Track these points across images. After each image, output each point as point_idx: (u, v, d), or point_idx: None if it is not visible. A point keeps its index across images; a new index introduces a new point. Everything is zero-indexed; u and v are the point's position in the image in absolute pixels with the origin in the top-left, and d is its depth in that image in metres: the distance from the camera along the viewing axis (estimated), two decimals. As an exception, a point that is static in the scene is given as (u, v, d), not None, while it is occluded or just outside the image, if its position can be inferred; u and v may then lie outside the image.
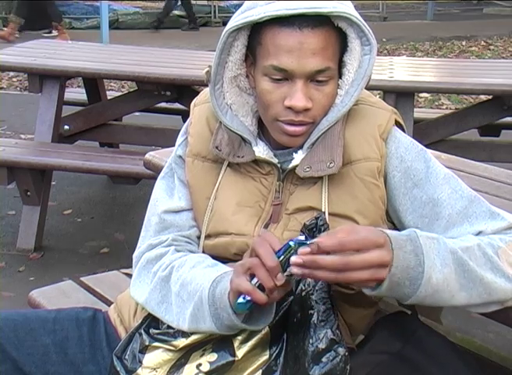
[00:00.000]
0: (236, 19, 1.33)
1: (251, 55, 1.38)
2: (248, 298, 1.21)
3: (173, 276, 1.41)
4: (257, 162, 1.43)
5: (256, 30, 1.34)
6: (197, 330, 1.35)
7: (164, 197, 1.51)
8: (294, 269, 1.17)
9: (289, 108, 1.34)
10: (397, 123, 1.44)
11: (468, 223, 1.37)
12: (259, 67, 1.36)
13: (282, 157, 1.43)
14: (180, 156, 1.52)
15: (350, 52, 1.37)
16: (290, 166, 1.40)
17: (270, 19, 1.30)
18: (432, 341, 1.42)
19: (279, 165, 1.42)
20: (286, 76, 1.33)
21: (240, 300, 1.22)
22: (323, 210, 1.37)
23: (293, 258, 1.16)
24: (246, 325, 1.28)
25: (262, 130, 1.46)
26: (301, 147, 1.41)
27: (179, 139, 1.55)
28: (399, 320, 1.50)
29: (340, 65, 1.38)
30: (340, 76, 1.39)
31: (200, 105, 1.53)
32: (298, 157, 1.40)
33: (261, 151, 1.42)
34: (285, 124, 1.36)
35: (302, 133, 1.37)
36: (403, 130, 1.46)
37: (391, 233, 1.23)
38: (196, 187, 1.47)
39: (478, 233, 1.36)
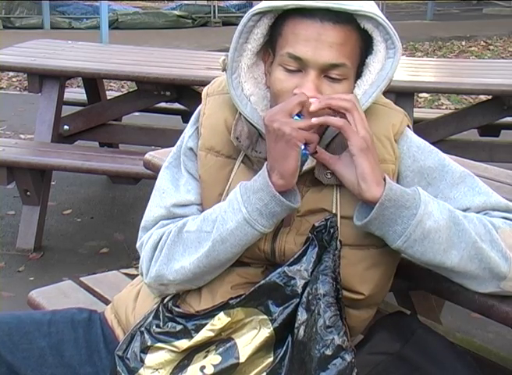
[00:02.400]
0: (261, 4, 1.33)
1: (271, 50, 1.37)
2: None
3: (189, 223, 1.40)
4: None
5: (278, 23, 1.34)
6: (222, 239, 1.34)
7: (171, 188, 1.48)
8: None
9: None
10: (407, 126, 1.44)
11: (484, 212, 1.38)
12: (276, 58, 1.35)
13: None
14: (191, 148, 1.48)
15: (374, 55, 1.37)
16: (306, 167, 1.37)
17: (293, 10, 1.30)
18: (431, 341, 1.42)
19: None
20: (300, 67, 1.32)
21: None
22: (334, 212, 1.36)
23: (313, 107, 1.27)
24: (282, 197, 1.30)
25: None
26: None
27: (189, 129, 1.50)
28: (398, 320, 1.50)
29: (363, 65, 1.37)
30: (360, 76, 1.38)
31: (214, 95, 1.49)
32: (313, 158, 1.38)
33: None
34: None
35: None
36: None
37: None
38: (208, 182, 1.45)
39: (485, 214, 1.38)
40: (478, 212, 1.38)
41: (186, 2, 13.11)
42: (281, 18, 1.33)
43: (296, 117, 1.28)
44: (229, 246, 1.35)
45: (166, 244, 1.41)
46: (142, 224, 1.51)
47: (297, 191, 1.34)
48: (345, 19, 1.30)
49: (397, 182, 1.39)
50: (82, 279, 2.15)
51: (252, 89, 1.41)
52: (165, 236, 1.43)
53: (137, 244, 1.50)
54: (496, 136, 4.22)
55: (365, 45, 1.35)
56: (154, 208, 1.48)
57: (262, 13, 1.33)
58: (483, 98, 4.61)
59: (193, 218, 1.41)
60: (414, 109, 3.75)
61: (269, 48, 1.38)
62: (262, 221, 1.32)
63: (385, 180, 1.29)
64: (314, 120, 1.27)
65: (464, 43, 10.48)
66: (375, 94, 1.37)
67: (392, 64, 1.36)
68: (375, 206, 1.28)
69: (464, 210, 1.38)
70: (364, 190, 1.29)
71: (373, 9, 1.30)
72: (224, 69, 1.39)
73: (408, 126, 1.44)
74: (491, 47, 10.21)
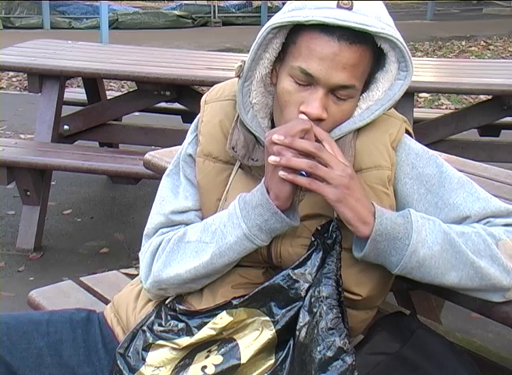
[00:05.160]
0: (281, 17, 1.32)
1: (282, 52, 1.37)
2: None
3: (189, 232, 1.41)
4: None
5: (294, 30, 1.33)
6: (223, 253, 1.35)
7: (170, 196, 1.49)
8: (274, 136, 1.26)
9: (303, 113, 1.32)
10: (407, 132, 1.44)
11: (486, 220, 1.37)
12: (286, 65, 1.34)
13: None
14: (190, 155, 1.49)
15: (385, 72, 1.37)
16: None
17: (313, 23, 1.29)
18: (430, 341, 1.42)
19: None
20: (309, 82, 1.31)
21: None
22: (332, 217, 1.36)
23: (275, 136, 1.26)
24: (283, 214, 1.31)
25: None
26: None
27: (189, 136, 1.52)
28: (398, 320, 1.50)
29: (371, 80, 1.37)
30: (367, 89, 1.38)
31: (212, 102, 1.49)
32: None
33: None
34: None
35: None
36: (412, 138, 1.45)
37: (383, 208, 1.31)
38: (206, 187, 1.45)
39: (487, 222, 1.37)
40: (478, 221, 1.37)
41: (186, 2, 13.11)
42: (298, 26, 1.32)
43: None
44: (227, 259, 1.37)
45: (165, 251, 1.43)
46: (144, 232, 1.52)
47: (296, 208, 1.35)
48: (362, 38, 1.29)
49: (397, 189, 1.40)
50: (82, 279, 2.15)
51: (259, 98, 1.41)
52: (164, 243, 1.44)
53: (140, 253, 1.51)
54: (496, 136, 4.22)
55: (377, 62, 1.35)
56: (154, 216, 1.50)
57: (282, 26, 1.33)
58: (483, 97, 4.61)
59: (192, 226, 1.42)
60: (414, 109, 3.74)
61: (280, 50, 1.37)
62: (261, 236, 1.33)
63: (375, 214, 1.29)
64: (281, 174, 1.27)
65: (464, 43, 10.48)
66: (378, 112, 1.37)
67: (401, 87, 1.36)
68: (367, 243, 1.29)
69: (465, 218, 1.37)
70: (353, 230, 1.30)
71: (394, 32, 1.30)
72: (238, 76, 1.39)
73: (408, 132, 1.44)
74: (491, 47, 10.21)
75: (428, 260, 1.30)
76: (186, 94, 3.90)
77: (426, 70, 4.10)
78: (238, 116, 1.43)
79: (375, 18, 1.29)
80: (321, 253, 1.31)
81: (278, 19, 1.31)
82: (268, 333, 1.32)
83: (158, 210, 1.50)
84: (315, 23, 1.28)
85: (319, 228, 1.32)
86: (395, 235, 1.29)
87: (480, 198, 1.38)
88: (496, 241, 1.33)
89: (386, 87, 1.37)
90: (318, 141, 1.30)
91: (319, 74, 1.30)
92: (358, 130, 1.39)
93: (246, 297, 1.35)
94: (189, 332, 1.37)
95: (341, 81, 1.30)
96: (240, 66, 1.38)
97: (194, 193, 1.48)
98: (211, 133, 1.46)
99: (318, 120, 1.32)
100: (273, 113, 1.42)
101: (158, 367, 1.37)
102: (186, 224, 1.47)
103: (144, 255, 1.48)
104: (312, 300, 1.28)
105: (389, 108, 1.39)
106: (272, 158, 1.26)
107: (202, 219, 1.46)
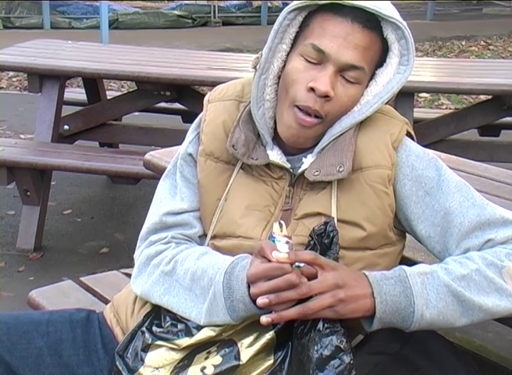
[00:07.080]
0: (297, 1, 1.34)
1: (295, 40, 1.38)
2: None
3: (179, 271, 1.40)
4: (269, 166, 1.42)
5: (307, 17, 1.36)
6: (212, 323, 1.34)
7: (167, 197, 1.50)
8: (259, 301, 1.23)
9: (312, 90, 1.33)
10: (408, 134, 1.44)
11: (480, 230, 1.36)
12: (297, 48, 1.36)
13: (293, 163, 1.42)
14: (190, 154, 1.49)
15: (385, 67, 1.38)
16: (300, 170, 1.39)
17: (326, 6, 1.32)
18: (430, 342, 1.42)
19: (291, 170, 1.42)
20: (320, 60, 1.33)
21: None
22: (332, 216, 1.36)
23: (260, 301, 1.23)
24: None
25: (276, 136, 1.45)
26: (311, 151, 1.41)
27: (190, 135, 1.52)
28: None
29: (370, 77, 1.39)
30: (366, 86, 1.39)
31: (215, 102, 1.49)
32: (308, 161, 1.39)
33: (275, 155, 1.41)
34: (298, 111, 1.35)
35: (310, 126, 1.36)
36: (414, 141, 1.45)
37: (379, 279, 1.28)
38: (207, 187, 1.46)
39: (487, 241, 1.35)
40: (473, 230, 1.35)
41: (186, 2, 13.10)
42: (311, 13, 1.35)
43: (273, 239, 1.26)
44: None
45: (150, 279, 1.43)
46: (142, 231, 1.53)
47: None
48: (374, 24, 1.33)
49: (394, 189, 1.40)
50: (82, 279, 2.15)
51: (272, 95, 1.42)
52: (150, 268, 1.44)
53: (135, 253, 1.52)
54: (496, 136, 4.22)
55: (381, 56, 1.37)
56: (149, 217, 1.51)
57: (298, 10, 1.35)
58: (483, 97, 4.61)
59: (182, 262, 1.40)
60: (414, 109, 3.74)
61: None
62: (247, 318, 1.32)
63: (373, 293, 1.27)
64: (265, 319, 1.24)
65: (464, 43, 10.48)
66: (377, 105, 1.38)
67: (400, 80, 1.38)
68: (373, 323, 1.29)
69: (459, 224, 1.36)
70: (359, 318, 1.30)
71: (402, 20, 1.33)
72: (254, 67, 1.40)
73: (410, 134, 1.44)
74: (491, 47, 10.21)
75: (435, 318, 1.29)
76: (186, 94, 3.91)
77: (426, 70, 4.10)
78: (240, 116, 1.44)
79: (386, 5, 1.33)
80: (318, 253, 1.31)
81: (294, 3, 1.34)
82: (268, 334, 1.32)
83: (154, 211, 1.50)
84: (330, 3, 1.31)
85: (316, 228, 1.32)
86: (398, 307, 1.28)
87: (476, 205, 1.37)
88: (499, 269, 1.31)
89: (385, 81, 1.39)
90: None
91: (330, 50, 1.32)
92: (360, 129, 1.40)
93: None
94: (188, 333, 1.37)
95: (352, 60, 1.32)
96: (257, 57, 1.39)
97: (190, 194, 1.48)
98: (213, 133, 1.46)
99: (325, 97, 1.33)
100: (276, 112, 1.42)
101: (157, 368, 1.36)
102: (179, 226, 1.47)
103: (135, 260, 1.49)
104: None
105: (388, 101, 1.40)
106: (264, 320, 1.24)
107: (199, 220, 1.47)
